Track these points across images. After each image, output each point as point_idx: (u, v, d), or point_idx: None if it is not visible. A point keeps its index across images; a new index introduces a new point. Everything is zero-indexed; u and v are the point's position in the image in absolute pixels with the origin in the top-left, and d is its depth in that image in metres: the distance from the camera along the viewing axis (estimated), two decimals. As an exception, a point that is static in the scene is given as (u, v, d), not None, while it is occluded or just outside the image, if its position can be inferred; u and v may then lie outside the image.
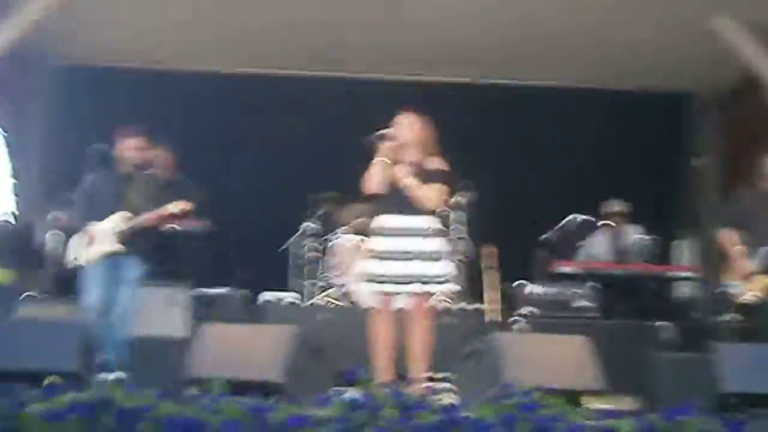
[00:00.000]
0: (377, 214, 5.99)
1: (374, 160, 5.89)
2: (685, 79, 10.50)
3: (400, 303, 6.19)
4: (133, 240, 6.67)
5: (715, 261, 7.98)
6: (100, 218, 6.63)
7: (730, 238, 6.91)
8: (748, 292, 6.74)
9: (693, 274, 8.94)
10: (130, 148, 6.77)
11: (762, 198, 6.89)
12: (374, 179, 5.87)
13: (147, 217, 6.66)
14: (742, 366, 5.52)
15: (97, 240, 6.61)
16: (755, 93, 9.49)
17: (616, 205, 9.10)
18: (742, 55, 8.77)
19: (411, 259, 5.72)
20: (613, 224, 9.07)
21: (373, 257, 5.83)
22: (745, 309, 7.03)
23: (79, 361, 5.12)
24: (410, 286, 5.70)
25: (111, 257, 6.61)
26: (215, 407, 3.52)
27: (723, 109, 10.81)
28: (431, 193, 5.82)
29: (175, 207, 6.73)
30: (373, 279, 5.78)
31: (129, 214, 6.64)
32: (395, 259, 5.74)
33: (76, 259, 6.72)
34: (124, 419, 3.36)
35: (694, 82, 10.64)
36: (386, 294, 5.80)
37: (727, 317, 7.77)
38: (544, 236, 8.24)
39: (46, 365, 4.87)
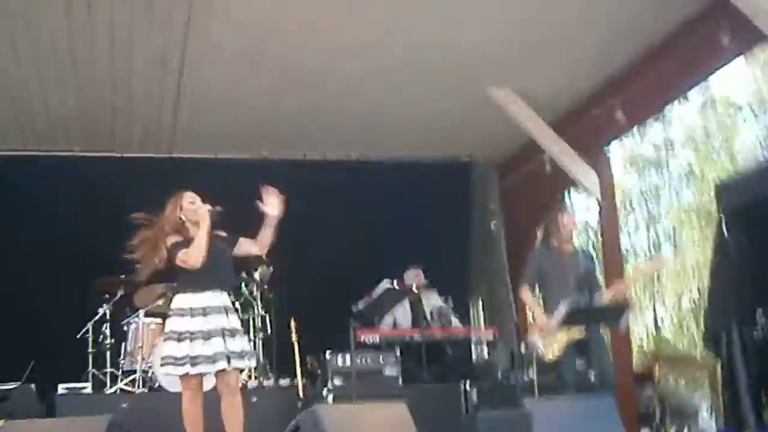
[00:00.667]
0: (178, 292, 5.84)
1: (200, 234, 5.72)
2: (469, 146, 10.93)
3: (209, 384, 6.05)
4: None
5: (517, 319, 8.24)
6: None
7: (528, 296, 7.15)
8: (549, 349, 6.98)
9: (490, 336, 9.17)
10: None
11: (555, 255, 7.20)
12: (201, 254, 5.69)
13: None
14: (554, 421, 5.70)
15: None
16: (534, 157, 10.02)
17: (413, 274, 9.28)
18: (519, 122, 9.21)
19: (213, 336, 5.61)
20: (414, 291, 9.23)
21: (174, 339, 5.66)
22: (549, 365, 7.27)
23: None
24: (216, 364, 5.58)
25: None
26: None
27: (506, 174, 11.29)
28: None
29: None
30: (176, 362, 5.60)
31: None
32: (197, 338, 5.60)
33: None
34: None
35: (478, 149, 11.08)
36: (191, 375, 5.63)
37: (530, 375, 8.01)
38: (357, 307, 8.23)
39: None
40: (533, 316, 7.12)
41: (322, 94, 9.08)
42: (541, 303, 7.13)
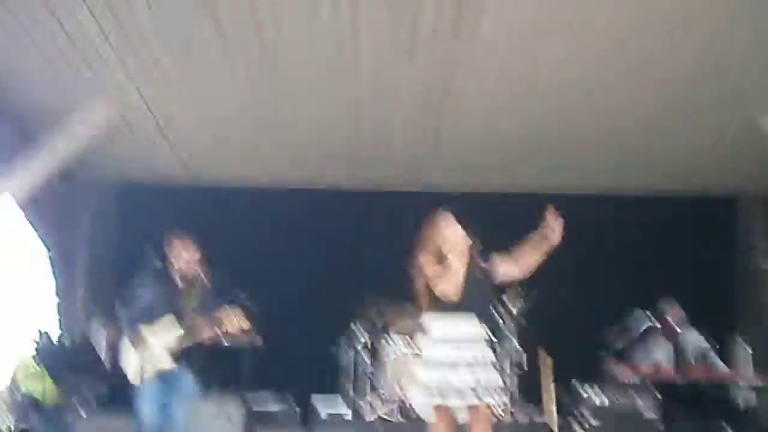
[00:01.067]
0: (430, 320, 5.82)
1: (456, 266, 5.74)
2: (736, 181, 10.42)
3: (460, 416, 6.03)
4: (187, 356, 6.59)
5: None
6: (153, 332, 6.53)
7: None
8: None
9: (758, 382, 8.64)
10: (184, 260, 6.70)
11: None
12: (459, 286, 5.70)
13: (203, 335, 6.56)
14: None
15: (152, 356, 6.49)
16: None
17: (674, 308, 8.91)
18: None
19: (463, 367, 5.55)
20: (674, 328, 8.87)
21: (428, 366, 5.65)
22: None
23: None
24: (465, 397, 5.51)
25: (165, 374, 6.51)
26: None
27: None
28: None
29: (232, 325, 6.62)
30: (428, 389, 5.59)
31: (182, 331, 6.54)
32: (446, 367, 5.57)
33: (134, 377, 6.57)
34: None
35: (745, 184, 10.55)
36: (442, 407, 5.59)
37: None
38: (612, 342, 8.00)
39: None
40: None
41: (594, 126, 8.96)
42: None
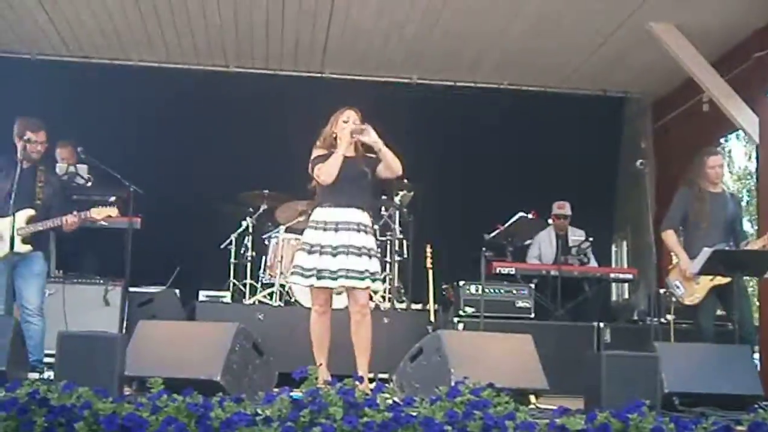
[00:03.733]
0: (317, 206, 5.92)
1: (337, 153, 5.79)
2: (623, 82, 10.61)
3: (339, 303, 6.14)
4: (38, 238, 6.51)
5: (657, 262, 8.03)
6: (3, 213, 6.39)
7: (671, 239, 6.93)
8: (689, 294, 6.79)
9: (631, 276, 8.97)
10: (35, 141, 6.55)
11: (701, 197, 6.94)
12: (334, 171, 5.76)
13: (64, 221, 6.46)
14: (684, 366, 5.54)
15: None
16: (691, 97, 9.63)
17: (563, 208, 9.17)
18: (678, 59, 8.85)
19: (341, 253, 5.67)
20: (560, 225, 9.14)
21: (305, 250, 5.77)
22: (687, 310, 7.10)
23: (8, 360, 4.89)
24: (339, 280, 5.65)
25: (13, 257, 6.38)
26: (154, 405, 3.38)
27: (661, 112, 10.92)
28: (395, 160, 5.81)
29: (99, 214, 6.58)
30: (305, 272, 5.72)
31: (32, 213, 6.45)
32: (326, 253, 5.68)
33: None
34: (59, 418, 3.20)
35: (632, 86, 10.74)
36: (320, 289, 5.73)
37: (668, 318, 7.84)
38: (489, 236, 8.16)
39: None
40: (676, 259, 6.88)
41: (479, 21, 8.93)
42: (685, 247, 6.92)
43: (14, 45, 9.83)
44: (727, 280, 6.59)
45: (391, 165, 5.84)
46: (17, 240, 6.36)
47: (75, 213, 6.51)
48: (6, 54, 9.95)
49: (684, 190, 7.07)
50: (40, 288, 6.56)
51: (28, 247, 6.44)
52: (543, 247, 9.18)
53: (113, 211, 6.70)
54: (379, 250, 5.98)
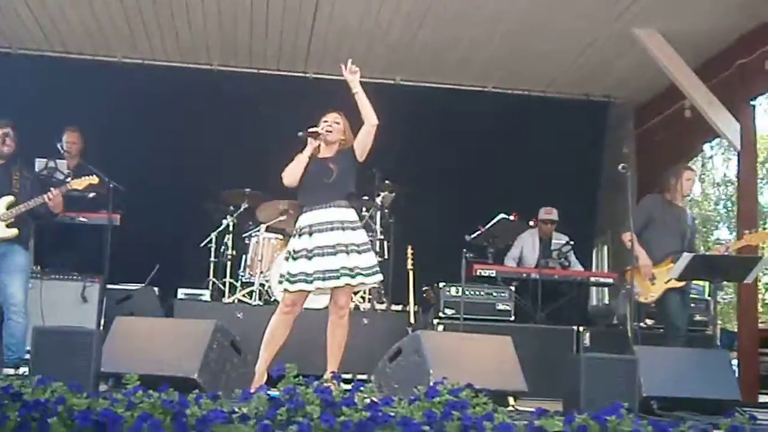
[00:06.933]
0: (301, 210, 5.86)
1: (300, 155, 5.78)
2: (606, 87, 10.64)
3: (316, 303, 6.10)
4: (21, 228, 6.52)
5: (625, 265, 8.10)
6: None
7: (633, 239, 7.02)
8: (647, 293, 6.95)
9: (610, 280, 8.98)
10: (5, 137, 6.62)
11: (668, 206, 7.26)
12: (296, 172, 5.75)
13: (46, 198, 6.48)
14: (663, 370, 5.55)
15: None
16: (674, 103, 9.67)
17: (550, 213, 9.19)
18: (661, 64, 8.88)
19: (339, 252, 5.59)
20: (546, 230, 9.15)
21: (295, 257, 5.67)
22: (653, 311, 7.25)
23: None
24: (340, 279, 5.56)
25: None
26: (130, 402, 3.35)
27: (643, 118, 10.95)
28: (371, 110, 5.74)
29: (80, 184, 6.65)
30: (296, 278, 5.62)
31: (11, 199, 6.48)
32: (321, 255, 5.59)
33: None
34: (32, 413, 3.15)
35: (615, 90, 10.76)
36: (291, 292, 5.66)
37: (645, 323, 7.88)
38: (469, 237, 8.16)
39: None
40: (637, 261, 6.98)
41: (463, 25, 8.96)
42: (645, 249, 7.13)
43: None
44: (682, 284, 6.87)
45: (367, 115, 5.71)
46: (1, 225, 6.38)
47: (53, 189, 6.54)
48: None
49: (654, 196, 7.33)
50: (24, 283, 6.55)
51: (13, 231, 6.44)
52: (525, 249, 9.18)
53: (93, 180, 6.74)
54: (367, 244, 5.83)
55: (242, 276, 8.39)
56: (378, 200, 8.54)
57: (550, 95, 10.70)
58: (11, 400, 3.23)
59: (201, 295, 8.26)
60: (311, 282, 5.58)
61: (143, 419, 3.14)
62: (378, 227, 8.53)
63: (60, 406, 3.21)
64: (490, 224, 8.38)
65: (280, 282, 5.77)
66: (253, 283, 8.20)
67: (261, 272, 8.07)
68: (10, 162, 6.66)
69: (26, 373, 5.13)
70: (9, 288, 6.43)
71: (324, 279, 5.57)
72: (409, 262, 8.19)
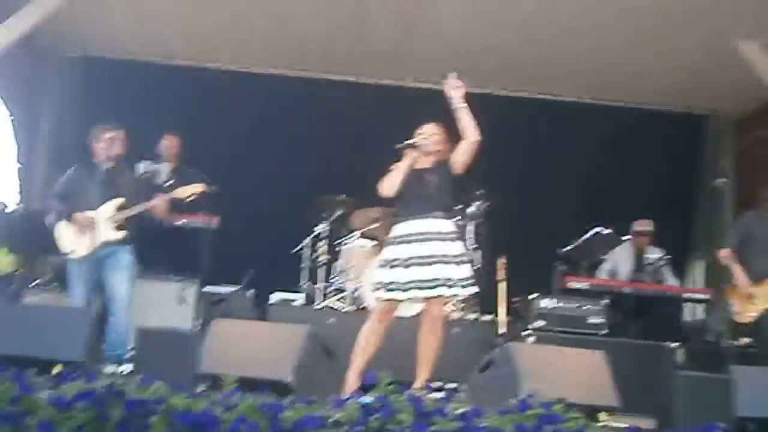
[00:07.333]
0: (396, 220, 5.90)
1: (397, 165, 5.83)
2: (706, 99, 10.46)
3: (408, 311, 6.11)
4: (129, 229, 6.71)
5: (722, 282, 7.95)
6: (81, 210, 6.63)
7: (729, 257, 6.88)
8: (746, 313, 6.78)
9: (705, 296, 8.80)
10: (106, 140, 6.78)
11: (763, 223, 7.11)
12: (393, 183, 5.80)
13: (153, 204, 6.69)
14: (758, 391, 5.41)
15: (92, 230, 6.60)
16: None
17: (645, 225, 9.03)
18: (765, 78, 8.69)
19: (436, 263, 5.60)
20: (641, 242, 9.01)
21: (391, 266, 5.70)
22: (750, 330, 7.06)
23: (87, 351, 5.00)
24: (436, 290, 5.57)
25: (104, 247, 6.62)
26: (228, 403, 3.43)
27: (742, 131, 10.72)
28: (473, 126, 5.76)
29: (183, 193, 6.84)
30: (391, 287, 5.65)
31: (121, 201, 6.66)
32: (418, 264, 5.61)
33: (73, 251, 6.66)
34: (134, 411, 3.26)
35: (715, 103, 10.58)
36: (385, 301, 5.70)
37: (740, 341, 7.70)
38: (563, 249, 8.10)
39: (53, 353, 4.77)
40: (735, 279, 6.83)
41: (573, 36, 8.95)
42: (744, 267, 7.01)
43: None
44: None
45: (468, 131, 5.74)
46: (111, 227, 6.61)
47: (161, 195, 6.79)
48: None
49: (753, 213, 7.17)
50: (130, 281, 6.72)
51: (122, 233, 6.65)
52: (620, 263, 9.04)
53: (197, 188, 6.93)
54: (464, 256, 5.84)
55: (335, 282, 8.47)
56: (471, 210, 8.52)
57: (650, 107, 10.56)
58: (114, 398, 3.34)
59: (294, 300, 8.37)
60: (407, 291, 5.61)
61: (241, 421, 3.22)
62: (471, 236, 8.51)
63: (160, 406, 3.31)
64: (585, 237, 8.30)
65: (376, 290, 5.81)
66: (344, 290, 8.27)
67: (353, 278, 8.13)
68: (118, 165, 6.86)
69: (125, 371, 5.29)
70: (116, 286, 6.61)
71: (420, 289, 5.59)
72: (501, 272, 8.15)
